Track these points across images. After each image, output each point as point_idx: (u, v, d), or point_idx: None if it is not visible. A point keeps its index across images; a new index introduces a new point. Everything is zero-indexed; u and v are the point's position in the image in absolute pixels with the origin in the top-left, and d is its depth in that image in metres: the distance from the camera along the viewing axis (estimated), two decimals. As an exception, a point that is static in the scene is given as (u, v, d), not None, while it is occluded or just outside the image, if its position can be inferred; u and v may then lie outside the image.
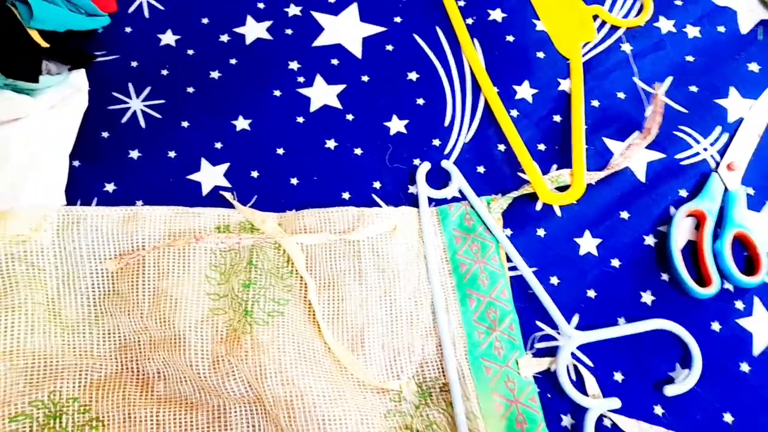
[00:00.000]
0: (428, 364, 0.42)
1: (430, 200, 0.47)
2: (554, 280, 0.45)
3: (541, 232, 0.46)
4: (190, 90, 0.50)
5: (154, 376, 0.41)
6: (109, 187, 0.46)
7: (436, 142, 0.49)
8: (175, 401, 0.40)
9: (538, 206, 0.47)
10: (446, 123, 0.50)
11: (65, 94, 0.47)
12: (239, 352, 0.40)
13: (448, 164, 0.48)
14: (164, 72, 0.51)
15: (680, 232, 0.45)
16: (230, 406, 0.40)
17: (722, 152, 0.49)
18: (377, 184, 0.48)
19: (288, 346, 0.41)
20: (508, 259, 0.45)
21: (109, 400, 0.40)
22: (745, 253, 0.46)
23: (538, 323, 0.44)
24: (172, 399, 0.40)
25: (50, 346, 0.41)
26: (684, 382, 0.41)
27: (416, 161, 0.48)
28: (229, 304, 0.42)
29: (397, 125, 0.50)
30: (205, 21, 0.53)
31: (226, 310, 0.42)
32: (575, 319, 0.44)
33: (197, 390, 0.40)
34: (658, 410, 0.41)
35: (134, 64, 0.51)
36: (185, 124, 0.49)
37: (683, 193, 0.48)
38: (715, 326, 0.44)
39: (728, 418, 0.41)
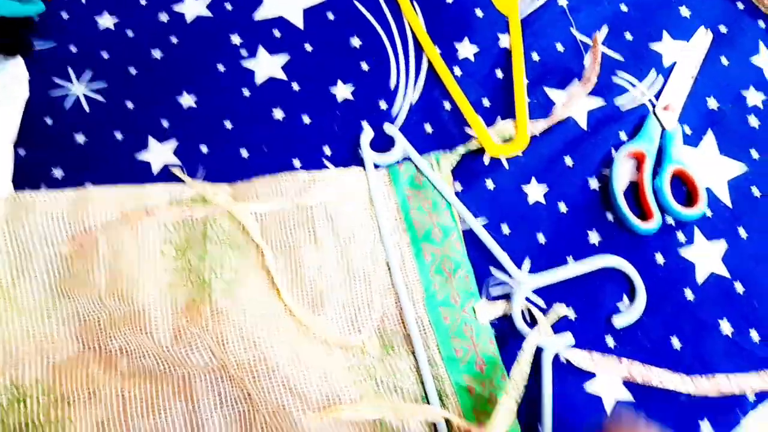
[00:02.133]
0: (388, 318, 0.43)
1: (379, 165, 0.48)
2: (505, 229, 0.46)
3: (490, 185, 0.48)
4: (133, 71, 0.50)
5: (117, 353, 0.41)
6: (57, 173, 0.46)
7: (383, 105, 0.50)
8: (140, 375, 0.40)
9: (486, 160, 0.48)
10: (392, 86, 0.51)
11: (4, 82, 0.47)
12: (200, 322, 0.41)
13: (390, 128, 0.49)
14: (105, 55, 0.50)
15: (622, 173, 0.47)
16: (195, 375, 0.40)
17: (658, 95, 0.51)
18: (327, 150, 0.48)
19: (248, 312, 0.41)
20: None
21: (73, 380, 0.40)
22: (684, 188, 0.48)
23: (493, 270, 0.45)
24: (136, 374, 0.40)
25: (8, 333, 0.40)
26: (630, 313, 0.43)
27: (364, 124, 0.49)
28: (186, 277, 0.43)
29: (343, 91, 0.50)
30: (143, 2, 0.53)
31: (184, 283, 0.42)
32: (527, 263, 0.45)
33: (161, 363, 0.40)
34: (610, 341, 0.43)
35: (73, 49, 0.50)
36: (130, 105, 0.49)
37: (623, 136, 0.49)
38: (659, 259, 0.46)
39: (676, 343, 0.43)
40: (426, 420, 0.40)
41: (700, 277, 0.45)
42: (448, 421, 0.40)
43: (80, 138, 0.47)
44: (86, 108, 0.48)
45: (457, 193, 0.47)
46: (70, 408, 0.39)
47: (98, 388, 0.39)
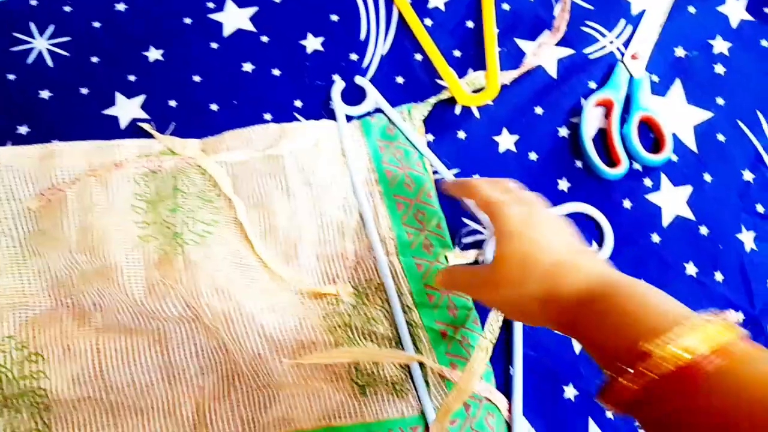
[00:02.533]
0: (362, 268, 0.44)
1: (351, 117, 0.48)
2: (476, 177, 0.47)
3: (461, 135, 0.48)
4: (96, 24, 0.49)
5: (91, 308, 0.41)
6: (22, 130, 0.45)
7: (354, 57, 0.50)
8: (114, 329, 0.40)
9: (457, 110, 0.49)
10: (362, 37, 0.50)
11: (-39, 37, 0.46)
12: (173, 274, 0.41)
13: (362, 80, 0.48)
14: (66, 8, 0.49)
15: (590, 120, 0.48)
16: (170, 328, 0.40)
17: (627, 44, 0.51)
18: (298, 103, 0.48)
19: (221, 263, 0.42)
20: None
21: (47, 335, 0.40)
22: (652, 135, 0.49)
23: (464, 220, 0.45)
24: (110, 328, 0.40)
25: (-22, 289, 0.40)
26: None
27: (335, 77, 0.49)
28: (158, 230, 0.42)
29: (313, 43, 0.50)
30: (104, -46, 0.51)
31: (156, 236, 0.42)
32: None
33: (135, 316, 0.40)
34: (579, 285, 0.44)
35: (33, 2, 0.49)
36: (95, 59, 0.48)
37: (592, 85, 0.50)
38: (627, 204, 0.46)
39: (642, 285, 0.44)
40: (400, 364, 0.40)
41: (666, 220, 0.46)
42: (422, 365, 0.40)
43: (45, 94, 0.46)
44: (50, 63, 0.47)
45: (429, 144, 0.47)
46: (44, 362, 0.39)
47: (73, 342, 0.39)
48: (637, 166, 0.47)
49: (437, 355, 0.41)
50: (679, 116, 0.49)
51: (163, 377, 0.39)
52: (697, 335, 0.25)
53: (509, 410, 0.40)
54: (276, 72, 0.49)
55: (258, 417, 0.38)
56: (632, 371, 0.25)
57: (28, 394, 0.38)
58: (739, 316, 0.44)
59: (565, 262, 0.32)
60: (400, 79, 0.49)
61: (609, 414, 0.41)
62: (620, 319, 0.28)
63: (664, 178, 0.47)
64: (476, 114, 0.49)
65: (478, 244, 0.45)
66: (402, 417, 0.39)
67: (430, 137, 0.48)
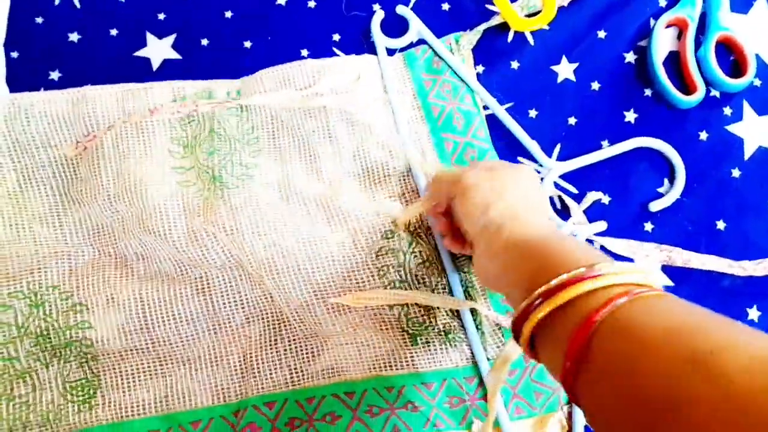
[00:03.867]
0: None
1: (393, 50, 0.44)
2: (532, 113, 0.43)
3: (514, 65, 0.44)
4: (123, -39, 0.46)
5: (132, 258, 0.40)
6: (54, 75, 0.43)
7: (395, -16, 0.46)
8: (157, 279, 0.39)
9: (509, 37, 0.44)
10: (403, -39, 0.46)
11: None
12: (215, 219, 0.39)
13: (404, 10, 0.44)
14: (91, -55, 0.46)
15: (661, 43, 0.43)
16: (213, 276, 0.39)
17: (704, -46, 0.45)
18: (336, 37, 0.45)
19: (264, 206, 0.40)
20: (483, 96, 0.43)
21: (90, 285, 0.39)
22: (731, 57, 0.43)
23: (520, 159, 0.42)
24: (153, 277, 0.39)
25: (20, 239, 0.39)
26: (668, 195, 0.40)
27: (375, 7, 0.45)
28: (197, 174, 0.41)
29: (350, -29, 0.46)
30: None
31: (194, 181, 0.41)
32: (557, 149, 0.42)
33: (177, 265, 0.39)
34: (648, 227, 0.40)
35: (57, -60, 0.46)
36: (123, -2, 0.45)
37: (662, 2, 0.44)
38: (703, 135, 0.42)
39: (720, 224, 0.40)
40: (454, 311, 0.38)
41: (748, 152, 0.42)
42: (475, 313, 0.38)
43: (74, 36, 0.44)
44: (77, 3, 0.45)
45: (478, 76, 0.43)
46: (89, 313, 0.38)
47: (116, 292, 0.39)
48: (714, 92, 0.42)
49: (492, 303, 0.39)
50: (763, 35, 0.44)
51: (209, 327, 0.38)
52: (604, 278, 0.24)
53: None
54: (311, 3, 0.45)
55: (306, 367, 0.37)
56: (539, 299, 0.25)
57: (74, 344, 0.37)
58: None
59: (519, 211, 0.31)
60: (445, 6, 0.45)
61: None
62: (541, 257, 0.27)
63: (746, 106, 0.42)
64: (530, 41, 0.44)
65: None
66: (455, 367, 0.37)
67: (480, 68, 0.44)
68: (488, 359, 0.37)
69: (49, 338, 0.37)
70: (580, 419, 0.37)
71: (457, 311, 0.38)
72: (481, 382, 0.37)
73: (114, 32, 0.44)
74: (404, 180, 0.42)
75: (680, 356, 0.19)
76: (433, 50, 0.44)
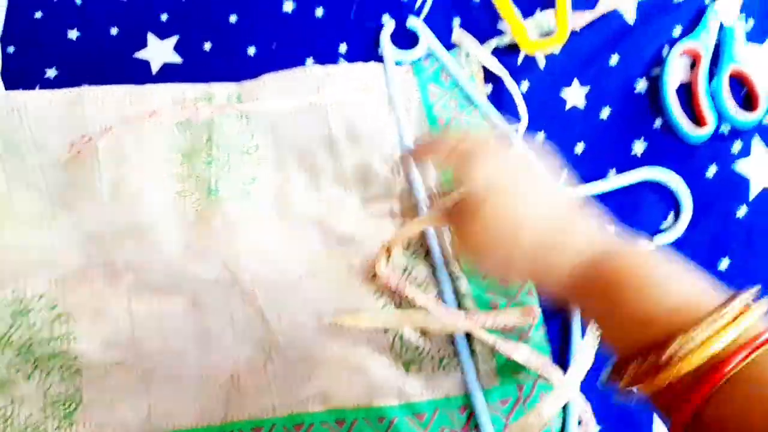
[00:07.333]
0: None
1: (402, 63, 0.43)
2: (540, 137, 0.42)
3: (524, 86, 0.43)
4: (126, -43, 0.45)
5: (122, 268, 0.38)
6: (51, 73, 0.42)
7: (406, -4, 0.45)
8: (147, 291, 0.38)
9: (520, 58, 0.43)
10: (415, -27, 0.45)
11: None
12: (211, 233, 0.38)
13: (415, 21, 0.43)
14: (94, -61, 0.45)
15: (674, 72, 0.42)
16: (205, 292, 0.38)
17: (721, -17, 0.44)
18: (343, 47, 0.44)
19: (263, 221, 0.39)
20: (489, 117, 0.42)
21: (77, 295, 0.38)
22: (744, 91, 0.42)
23: (523, 182, 0.41)
24: (143, 290, 0.38)
25: (8, 243, 0.38)
26: (672, 230, 0.39)
27: (385, 18, 0.44)
28: (194, 185, 0.40)
29: (360, -20, 0.45)
30: None
31: (192, 192, 0.39)
32: (563, 176, 0.41)
33: (169, 278, 0.38)
34: (650, 260, 0.40)
35: (59, -68, 0.45)
36: (125, -4, 0.44)
37: (677, 31, 0.43)
38: (711, 171, 0.41)
39: (724, 263, 0.40)
40: (449, 333, 0.37)
41: (754, 191, 0.41)
42: (469, 339, 0.37)
43: (73, 33, 0.43)
44: (77, 0, 0.44)
45: (487, 96, 0.43)
46: (75, 323, 0.37)
47: (104, 304, 0.38)
48: (724, 127, 0.42)
49: (479, 304, 0.38)
50: (776, 70, 0.43)
51: (198, 345, 0.37)
52: (721, 337, 0.22)
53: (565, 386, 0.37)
54: (319, 12, 0.44)
55: (295, 391, 0.36)
56: (649, 364, 0.23)
57: (58, 356, 0.36)
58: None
59: (548, 240, 0.28)
60: (456, 21, 0.44)
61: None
62: (633, 304, 0.25)
63: (756, 142, 0.42)
64: (541, 63, 0.43)
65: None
66: (447, 396, 0.36)
67: (489, 87, 0.43)
68: (482, 389, 0.36)
69: (32, 349, 0.36)
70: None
71: (452, 336, 0.38)
72: (473, 413, 0.36)
73: (114, 31, 0.43)
74: (405, 196, 0.41)
75: None
76: (442, 64, 0.43)
